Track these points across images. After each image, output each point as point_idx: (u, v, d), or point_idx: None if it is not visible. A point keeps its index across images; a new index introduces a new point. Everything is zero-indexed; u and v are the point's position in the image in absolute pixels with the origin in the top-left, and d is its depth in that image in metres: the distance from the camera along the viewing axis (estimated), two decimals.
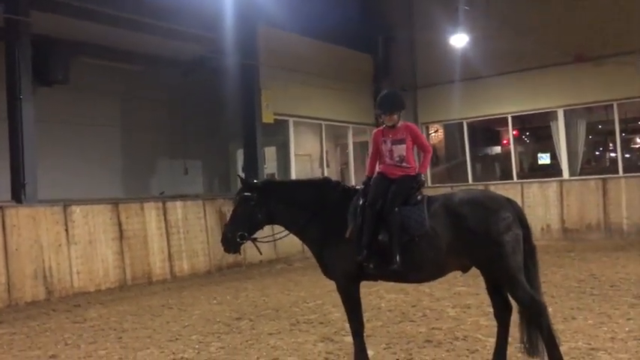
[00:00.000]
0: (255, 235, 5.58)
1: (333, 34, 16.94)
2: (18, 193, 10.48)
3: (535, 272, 4.99)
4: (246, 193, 5.52)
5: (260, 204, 5.48)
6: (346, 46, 17.90)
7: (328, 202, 5.44)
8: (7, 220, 9.96)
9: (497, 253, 4.79)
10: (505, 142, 22.21)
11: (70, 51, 12.12)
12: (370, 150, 5.74)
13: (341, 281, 5.36)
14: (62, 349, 7.05)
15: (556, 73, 16.40)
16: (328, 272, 5.47)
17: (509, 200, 5.10)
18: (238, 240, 5.42)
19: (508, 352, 5.24)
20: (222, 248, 5.54)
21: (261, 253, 5.74)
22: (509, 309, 5.15)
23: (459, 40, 16.81)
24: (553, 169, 18.42)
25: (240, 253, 5.71)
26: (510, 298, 5.07)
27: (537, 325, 4.80)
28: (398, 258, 4.98)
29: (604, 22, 15.75)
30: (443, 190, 15.56)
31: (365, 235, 5.10)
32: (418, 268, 5.10)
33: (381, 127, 5.63)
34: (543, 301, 4.96)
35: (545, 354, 4.87)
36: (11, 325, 8.58)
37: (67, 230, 10.72)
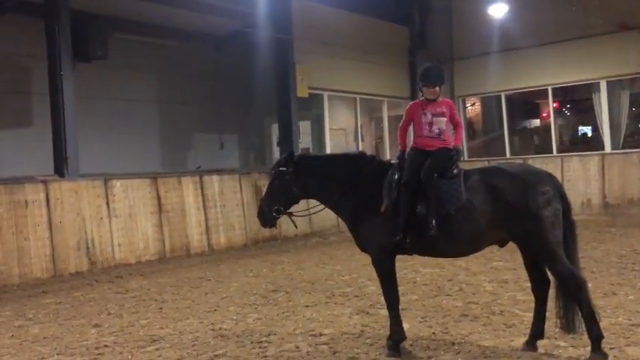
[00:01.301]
0: (290, 210, 5.62)
1: (368, 6, 16.70)
2: (60, 168, 10.76)
3: (574, 247, 4.91)
4: (281, 168, 5.55)
5: (295, 178, 5.51)
6: (381, 18, 17.63)
7: (363, 177, 5.43)
8: (50, 194, 10.25)
9: (536, 228, 4.73)
10: (545, 114, 21.70)
11: (107, 27, 12.24)
12: (402, 122, 5.62)
13: (376, 255, 5.37)
14: (105, 319, 7.28)
15: (599, 43, 15.87)
16: (363, 246, 5.49)
17: (548, 174, 5.01)
18: (274, 214, 5.48)
19: (546, 327, 5.21)
20: (259, 222, 5.61)
21: (296, 227, 5.78)
22: (547, 284, 5.10)
23: (498, 10, 16.38)
24: (594, 143, 17.96)
25: (276, 227, 5.77)
26: (548, 273, 5.01)
27: (577, 300, 4.74)
28: (434, 223, 4.95)
29: None
30: (480, 164, 15.36)
31: (402, 214, 5.07)
32: (454, 242, 5.07)
33: (419, 100, 5.57)
34: (583, 276, 4.89)
35: (584, 329, 4.82)
36: (56, 295, 8.89)
37: (108, 204, 10.99)
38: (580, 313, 4.76)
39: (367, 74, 17.39)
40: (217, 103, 16.71)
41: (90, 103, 13.09)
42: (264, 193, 5.72)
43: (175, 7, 12.84)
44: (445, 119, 5.41)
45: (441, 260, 9.19)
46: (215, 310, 7.44)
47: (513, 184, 4.85)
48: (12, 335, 6.73)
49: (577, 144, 20.31)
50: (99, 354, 5.85)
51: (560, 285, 4.83)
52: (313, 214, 5.85)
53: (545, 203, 4.74)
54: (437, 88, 5.38)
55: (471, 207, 4.92)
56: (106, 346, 6.09)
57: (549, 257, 4.78)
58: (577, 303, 4.75)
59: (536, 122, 23.87)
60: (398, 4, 18.37)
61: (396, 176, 5.23)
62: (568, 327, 4.90)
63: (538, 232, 4.74)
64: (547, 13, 16.02)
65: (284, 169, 5.53)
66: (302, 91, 15.29)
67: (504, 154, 17.87)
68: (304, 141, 16.80)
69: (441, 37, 18.90)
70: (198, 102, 16.49)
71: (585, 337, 4.86)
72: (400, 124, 5.64)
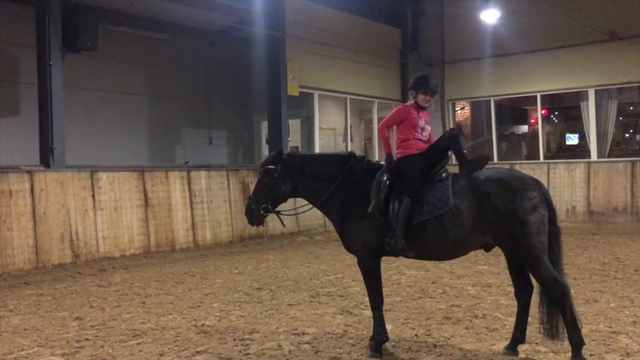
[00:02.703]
0: (278, 208, 5.61)
1: (361, 7, 16.73)
2: (46, 158, 10.67)
3: (559, 254, 4.94)
4: (270, 166, 5.54)
5: (284, 176, 5.51)
6: (374, 19, 17.66)
7: (352, 177, 5.44)
8: (35, 185, 10.14)
9: (521, 233, 4.75)
10: (533, 121, 21.89)
11: (98, 18, 12.13)
12: (389, 121, 5.53)
13: (361, 255, 5.38)
14: (87, 312, 7.23)
15: (589, 52, 16.03)
16: (349, 246, 5.48)
17: (535, 180, 5.03)
18: (262, 212, 5.47)
19: (527, 332, 5.24)
20: (247, 220, 5.60)
21: (284, 226, 5.77)
22: (530, 289, 5.14)
23: (490, 16, 16.47)
24: (581, 150, 18.12)
25: (263, 226, 5.74)
26: (532, 279, 5.05)
27: (560, 306, 4.77)
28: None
29: None
30: None
31: (401, 225, 5.05)
32: (440, 246, 5.09)
33: (411, 104, 5.57)
34: (566, 282, 4.92)
35: (565, 336, 4.85)
36: (38, 286, 8.81)
37: (93, 196, 10.90)
38: (562, 320, 4.80)
39: (358, 75, 17.42)
40: (207, 98, 16.65)
41: (78, 93, 13.00)
42: (252, 191, 5.70)
43: (169, 0, 12.75)
44: (430, 128, 5.57)
45: (425, 263, 9.26)
46: (198, 306, 7.41)
47: (500, 189, 4.87)
48: None
49: (564, 151, 20.50)
50: (79, 347, 5.80)
51: (544, 291, 4.86)
52: (301, 213, 5.85)
53: (532, 209, 4.77)
54: (432, 99, 5.51)
55: (458, 211, 4.94)
56: (86, 339, 6.04)
57: (534, 263, 4.81)
58: (560, 309, 4.78)
59: (524, 128, 24.07)
60: (391, 6, 18.40)
61: (385, 178, 5.24)
62: (551, 333, 4.93)
63: (523, 238, 4.76)
64: (538, 20, 16.14)
65: (272, 167, 5.52)
66: (293, 90, 15.26)
67: (492, 159, 17.95)
68: (293, 139, 16.80)
69: (432, 40, 19.00)
70: (188, 96, 16.42)
71: (566, 343, 4.89)
72: (385, 123, 5.54)
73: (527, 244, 4.77)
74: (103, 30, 12.51)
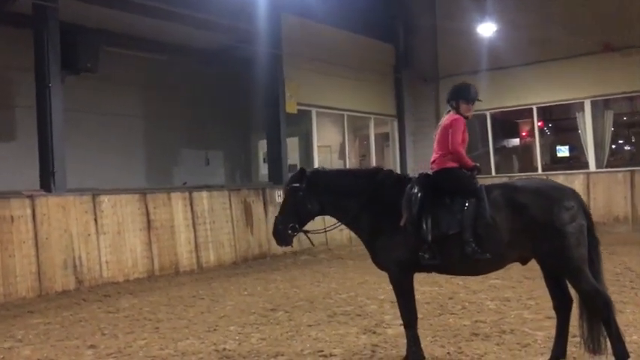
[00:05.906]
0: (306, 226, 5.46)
1: (356, 23, 16.75)
2: (47, 182, 10.41)
3: (599, 265, 4.83)
4: (294, 184, 5.39)
5: (309, 194, 5.35)
6: (368, 35, 17.69)
7: (381, 191, 5.29)
8: (37, 209, 9.89)
9: (561, 245, 4.64)
10: (524, 133, 21.98)
11: (97, 40, 11.99)
12: (459, 135, 5.30)
13: (394, 271, 5.23)
14: (100, 339, 6.99)
15: (583, 64, 16.16)
16: (380, 262, 5.33)
17: (572, 190, 4.94)
18: (290, 232, 5.31)
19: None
20: (275, 241, 5.43)
21: (313, 245, 5.63)
22: (570, 302, 5.01)
23: (483, 30, 16.56)
24: (576, 162, 18.19)
25: (292, 246, 5.55)
26: (571, 291, 4.93)
27: (604, 318, 4.65)
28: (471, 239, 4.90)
29: (633, 11, 15.48)
30: None
31: (469, 227, 4.89)
32: (478, 260, 4.95)
33: (459, 115, 5.44)
34: (608, 293, 4.81)
35: (607, 350, 4.73)
36: (44, 314, 8.53)
37: (95, 220, 10.65)
38: (606, 332, 4.68)
39: (354, 91, 17.40)
40: (204, 118, 16.51)
41: (77, 116, 12.78)
42: (278, 211, 5.52)
43: (166, 20, 12.65)
44: None
45: (438, 278, 9.02)
46: (215, 329, 7.20)
47: (537, 199, 4.76)
48: (2, 357, 6.41)
49: (560, 162, 20.58)
50: None
51: (585, 303, 4.74)
52: (329, 230, 5.69)
53: (571, 219, 4.66)
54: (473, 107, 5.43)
55: (494, 223, 4.82)
56: None
57: (574, 274, 4.70)
58: (603, 321, 4.67)
59: (516, 141, 24.16)
60: (383, 21, 18.46)
61: (416, 190, 5.10)
62: (592, 347, 4.79)
63: (563, 249, 4.65)
64: (533, 34, 16.27)
65: (297, 185, 5.37)
66: (291, 107, 15.19)
67: (490, 172, 17.94)
68: (291, 158, 16.66)
69: (426, 55, 19.07)
70: (186, 116, 16.26)
71: (603, 357, 4.75)
72: (458, 141, 5.28)
73: (568, 255, 4.66)
74: (104, 51, 12.36)
